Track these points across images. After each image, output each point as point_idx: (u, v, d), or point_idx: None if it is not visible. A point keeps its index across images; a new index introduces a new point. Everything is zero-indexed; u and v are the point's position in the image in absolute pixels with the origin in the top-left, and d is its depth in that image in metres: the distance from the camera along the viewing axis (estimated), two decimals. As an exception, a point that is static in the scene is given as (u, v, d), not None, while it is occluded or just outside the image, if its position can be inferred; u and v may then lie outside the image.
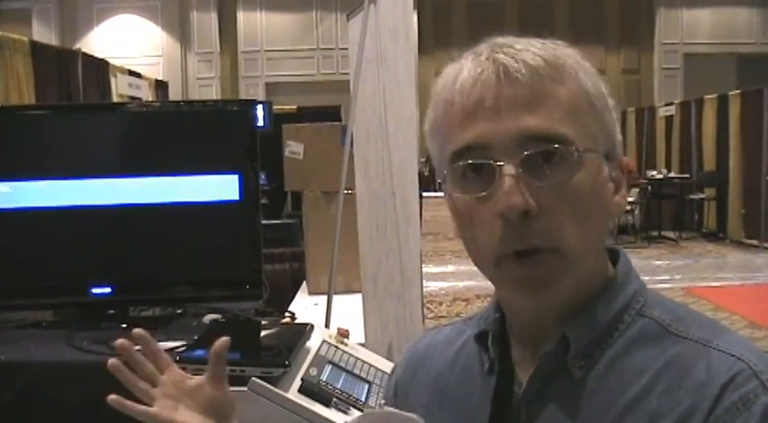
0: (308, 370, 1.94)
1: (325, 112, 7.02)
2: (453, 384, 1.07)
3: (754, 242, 12.00)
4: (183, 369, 1.86)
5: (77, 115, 2.91)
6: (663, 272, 9.95)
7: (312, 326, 2.16)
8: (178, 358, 1.87)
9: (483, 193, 0.90)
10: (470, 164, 0.91)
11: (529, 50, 0.91)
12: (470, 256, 0.97)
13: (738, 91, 12.66)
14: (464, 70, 0.93)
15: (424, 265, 2.63)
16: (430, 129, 0.99)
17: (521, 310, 0.99)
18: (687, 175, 13.65)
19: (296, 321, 2.61)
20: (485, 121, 0.90)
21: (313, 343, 2.08)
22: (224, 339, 1.33)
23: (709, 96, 13.30)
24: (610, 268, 1.01)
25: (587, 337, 0.95)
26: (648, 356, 0.93)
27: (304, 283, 4.23)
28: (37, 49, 7.06)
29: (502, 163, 0.88)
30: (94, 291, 2.65)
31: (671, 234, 13.15)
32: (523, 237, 0.88)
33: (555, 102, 0.90)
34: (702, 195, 13.52)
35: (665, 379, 0.90)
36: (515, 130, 0.88)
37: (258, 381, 1.80)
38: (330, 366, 2.00)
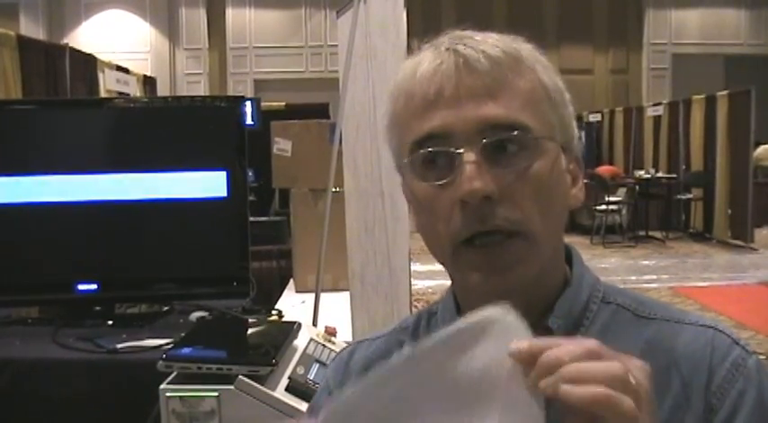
0: (295, 368, 1.93)
1: (314, 110, 6.99)
2: None
3: (741, 242, 12.04)
4: (169, 367, 1.85)
5: (64, 110, 2.89)
6: (650, 271, 9.95)
7: (299, 324, 2.16)
8: (164, 356, 1.86)
9: (444, 181, 0.89)
10: (430, 152, 0.91)
11: (488, 42, 0.92)
12: (428, 245, 0.96)
13: (726, 91, 12.68)
14: (424, 62, 0.93)
15: (411, 264, 2.62)
16: (389, 122, 0.98)
17: (483, 302, 0.98)
18: (674, 176, 13.67)
19: (283, 319, 2.60)
20: (445, 109, 0.90)
21: (300, 341, 2.07)
22: None
23: (697, 97, 13.32)
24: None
25: (565, 326, 0.95)
26: (627, 341, 0.94)
27: (291, 280, 4.22)
28: (24, 43, 7.01)
29: (462, 150, 0.88)
30: (80, 287, 2.64)
31: (658, 234, 13.18)
32: (485, 219, 0.88)
33: (514, 91, 0.91)
34: (689, 195, 13.55)
35: (652, 360, 0.87)
36: (475, 118, 0.89)
37: (245, 379, 1.79)
38: (317, 365, 1.99)
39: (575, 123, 0.99)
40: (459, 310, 1.02)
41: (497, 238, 0.89)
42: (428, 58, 0.93)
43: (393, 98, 0.97)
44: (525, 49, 0.95)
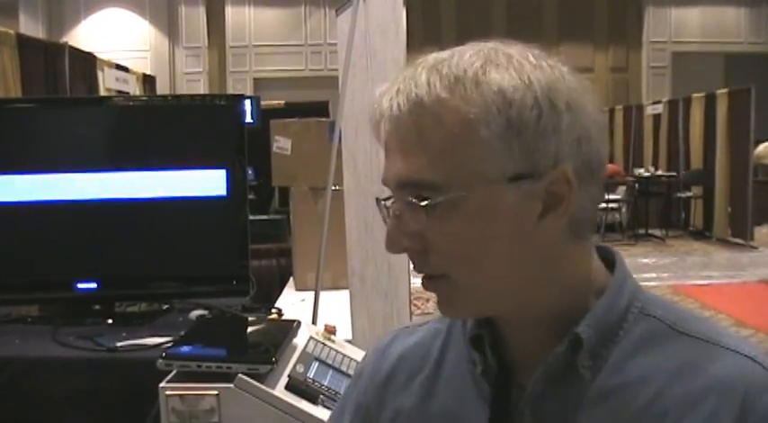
0: (294, 367, 1.93)
1: (313, 108, 6.97)
2: (441, 389, 1.04)
3: (740, 241, 12.04)
4: (169, 365, 1.85)
5: (62, 109, 2.89)
6: (650, 270, 9.96)
7: (299, 322, 2.16)
8: (164, 354, 1.86)
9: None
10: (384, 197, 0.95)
11: (427, 80, 0.88)
12: None
13: (726, 90, 12.67)
14: (383, 94, 0.92)
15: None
16: None
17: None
18: (674, 174, 13.67)
19: (283, 318, 2.60)
20: (386, 159, 0.93)
21: (300, 340, 2.07)
22: None
23: (697, 95, 13.32)
24: (600, 267, 0.99)
25: (596, 336, 0.93)
26: (659, 356, 0.92)
27: (291, 278, 4.23)
28: (23, 42, 7.01)
29: (390, 202, 0.93)
30: (80, 286, 2.64)
31: (658, 232, 13.18)
32: (421, 266, 0.93)
33: (426, 146, 0.87)
34: (689, 194, 13.55)
35: (682, 380, 0.89)
36: (392, 174, 0.91)
37: (245, 377, 1.79)
38: (317, 363, 1.99)
39: (568, 137, 0.89)
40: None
41: (433, 280, 0.93)
42: (385, 92, 0.92)
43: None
44: (479, 68, 0.88)
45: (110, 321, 2.62)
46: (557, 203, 0.90)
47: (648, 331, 0.94)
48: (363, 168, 2.98)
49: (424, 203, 0.88)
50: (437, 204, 0.87)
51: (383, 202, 0.94)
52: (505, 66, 0.88)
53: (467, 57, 0.89)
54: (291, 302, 3.64)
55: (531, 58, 0.91)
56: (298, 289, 4.03)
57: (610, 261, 1.00)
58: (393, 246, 0.91)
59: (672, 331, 0.94)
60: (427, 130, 0.87)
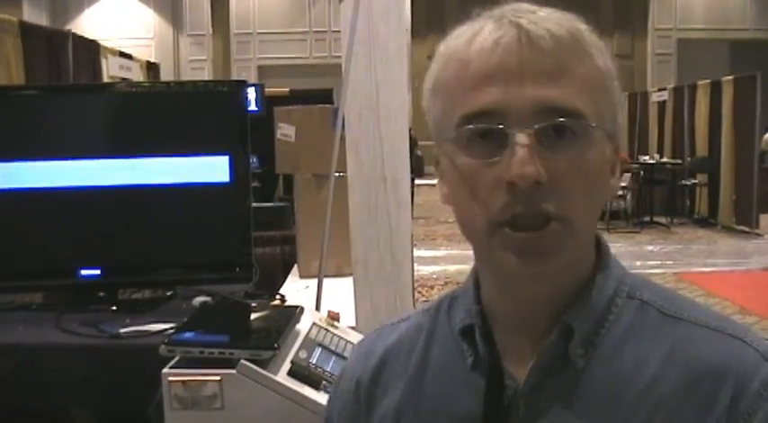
0: (297, 353, 1.93)
1: (318, 95, 6.97)
2: (430, 384, 1.01)
3: (745, 228, 12.03)
4: (171, 351, 1.85)
5: (65, 95, 2.89)
6: (654, 257, 9.96)
7: (302, 308, 2.16)
8: (166, 341, 1.86)
9: (494, 159, 0.87)
10: (481, 128, 0.88)
11: (551, 19, 0.90)
12: (461, 221, 0.94)
13: (731, 77, 12.64)
14: (484, 31, 0.89)
15: (415, 249, 2.63)
16: (434, 87, 0.95)
17: (510, 293, 0.96)
18: (679, 161, 13.65)
19: (286, 304, 2.60)
20: (503, 86, 0.86)
21: (303, 326, 2.07)
22: None
23: (702, 82, 13.29)
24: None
25: (587, 323, 0.93)
26: (650, 342, 0.93)
27: (295, 266, 4.22)
28: (27, 29, 7.00)
29: (516, 131, 0.85)
30: (83, 273, 2.64)
31: (662, 219, 13.17)
32: (531, 203, 0.85)
33: (574, 76, 0.88)
34: (694, 181, 13.53)
35: (675, 365, 0.90)
36: (533, 100, 0.86)
37: (247, 363, 1.79)
38: (320, 349, 1.99)
39: (620, 111, 0.96)
40: (480, 295, 1.00)
41: (539, 222, 0.87)
42: (488, 29, 0.89)
43: (441, 64, 0.93)
44: (586, 30, 0.93)
45: (114, 308, 2.62)
46: (613, 170, 0.95)
47: (638, 316, 0.95)
48: (366, 155, 2.97)
49: (569, 128, 0.87)
50: (581, 132, 0.87)
51: (504, 130, 0.86)
52: None
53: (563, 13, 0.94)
54: (296, 289, 3.63)
55: None
56: (302, 276, 4.02)
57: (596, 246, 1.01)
58: (529, 175, 0.84)
59: (661, 315, 0.95)
60: (576, 62, 0.88)
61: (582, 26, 0.92)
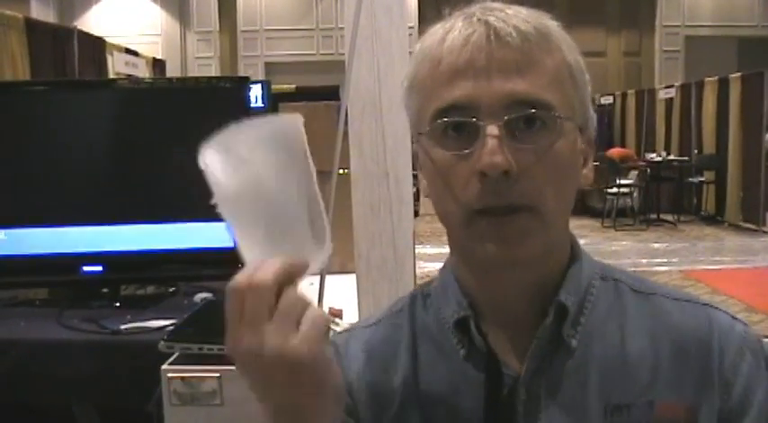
0: (297, 349, 1.92)
1: (324, 92, 6.92)
2: (425, 381, 1.01)
3: (752, 226, 11.99)
4: (171, 347, 1.85)
5: (67, 92, 2.89)
6: (661, 255, 9.93)
7: (303, 305, 2.15)
8: (166, 337, 1.86)
9: (465, 151, 0.90)
10: (453, 122, 0.91)
11: (519, 16, 0.92)
12: (439, 212, 0.97)
13: (739, 74, 12.60)
14: (454, 29, 0.93)
15: (420, 246, 2.63)
16: (410, 85, 0.98)
17: (490, 282, 0.99)
18: (686, 158, 13.62)
19: (288, 301, 2.60)
20: (473, 81, 0.90)
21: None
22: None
23: (710, 79, 13.25)
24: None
25: (575, 304, 0.97)
26: (631, 316, 1.00)
27: (299, 262, 4.23)
28: (32, 26, 7.01)
29: (486, 123, 0.89)
30: (86, 269, 2.64)
31: (669, 217, 13.14)
32: (501, 194, 0.89)
33: (541, 69, 0.91)
34: (701, 178, 13.49)
35: (663, 336, 0.98)
36: (502, 93, 0.89)
37: (246, 360, 1.78)
38: (320, 346, 1.99)
39: (591, 104, 0.99)
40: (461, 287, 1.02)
41: (510, 211, 0.90)
42: (458, 27, 0.93)
43: (417, 62, 0.97)
44: (553, 26, 0.96)
45: (117, 305, 2.62)
46: (586, 161, 0.99)
47: (615, 295, 1.02)
48: (369, 151, 2.97)
49: (538, 119, 0.90)
50: (550, 123, 0.91)
51: (474, 122, 0.90)
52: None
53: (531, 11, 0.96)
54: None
55: None
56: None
57: None
58: (498, 165, 0.87)
59: (633, 292, 1.03)
60: (544, 56, 0.92)
61: (550, 23, 0.96)
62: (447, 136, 0.92)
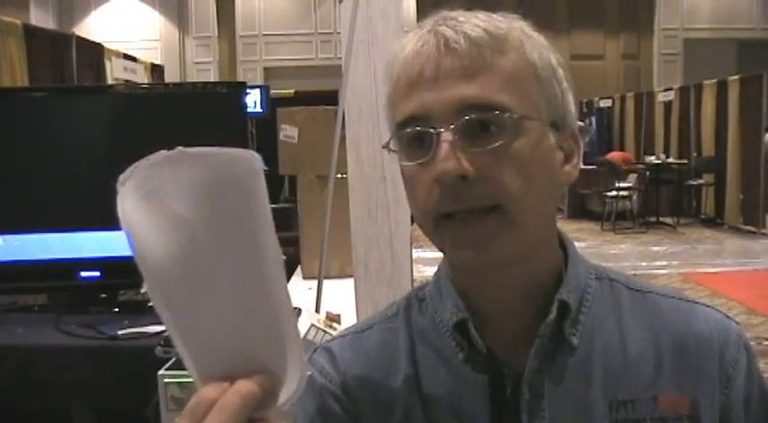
0: (294, 354, 1.92)
1: (323, 97, 6.94)
2: (427, 385, 1.01)
3: (752, 228, 11.99)
4: (167, 352, 1.85)
5: (65, 98, 2.89)
6: (660, 257, 9.92)
7: (299, 310, 2.15)
8: (162, 342, 1.86)
9: (423, 160, 0.92)
10: (412, 132, 0.93)
11: (471, 22, 0.93)
12: (415, 221, 0.99)
13: (738, 76, 12.61)
14: (408, 44, 0.95)
15: (420, 250, 2.62)
16: (383, 104, 1.01)
17: (470, 278, 0.99)
18: (686, 161, 13.61)
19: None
20: (425, 91, 0.92)
21: (301, 327, 2.07)
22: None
23: (709, 82, 13.25)
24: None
25: (576, 302, 0.98)
26: (628, 314, 1.01)
27: (299, 267, 4.22)
28: (30, 32, 7.02)
29: (440, 130, 0.90)
30: (84, 274, 2.64)
31: (669, 220, 13.13)
32: (460, 199, 0.90)
33: (494, 71, 0.91)
34: (701, 181, 13.49)
35: (662, 333, 1.00)
36: (452, 99, 0.90)
37: (243, 364, 1.78)
38: (317, 350, 1.99)
39: (571, 99, 0.99)
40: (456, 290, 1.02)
41: (473, 215, 0.90)
42: (412, 41, 0.94)
43: (386, 80, 0.99)
44: (514, 27, 0.95)
45: (116, 310, 2.62)
46: (569, 158, 0.99)
47: (610, 293, 1.03)
48: (366, 155, 2.97)
49: (492, 122, 0.90)
50: (505, 124, 0.90)
51: (428, 131, 0.91)
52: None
53: (494, 16, 0.97)
54: (299, 291, 3.63)
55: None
56: (305, 277, 4.01)
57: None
58: (450, 171, 0.88)
59: (629, 290, 1.04)
60: (497, 58, 0.92)
61: (515, 24, 0.96)
62: (410, 147, 0.94)
